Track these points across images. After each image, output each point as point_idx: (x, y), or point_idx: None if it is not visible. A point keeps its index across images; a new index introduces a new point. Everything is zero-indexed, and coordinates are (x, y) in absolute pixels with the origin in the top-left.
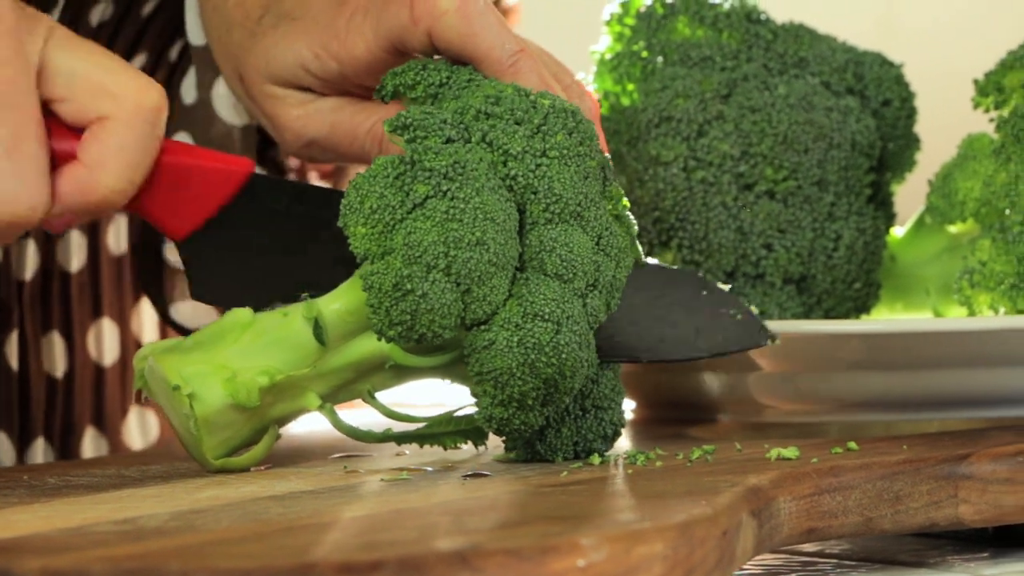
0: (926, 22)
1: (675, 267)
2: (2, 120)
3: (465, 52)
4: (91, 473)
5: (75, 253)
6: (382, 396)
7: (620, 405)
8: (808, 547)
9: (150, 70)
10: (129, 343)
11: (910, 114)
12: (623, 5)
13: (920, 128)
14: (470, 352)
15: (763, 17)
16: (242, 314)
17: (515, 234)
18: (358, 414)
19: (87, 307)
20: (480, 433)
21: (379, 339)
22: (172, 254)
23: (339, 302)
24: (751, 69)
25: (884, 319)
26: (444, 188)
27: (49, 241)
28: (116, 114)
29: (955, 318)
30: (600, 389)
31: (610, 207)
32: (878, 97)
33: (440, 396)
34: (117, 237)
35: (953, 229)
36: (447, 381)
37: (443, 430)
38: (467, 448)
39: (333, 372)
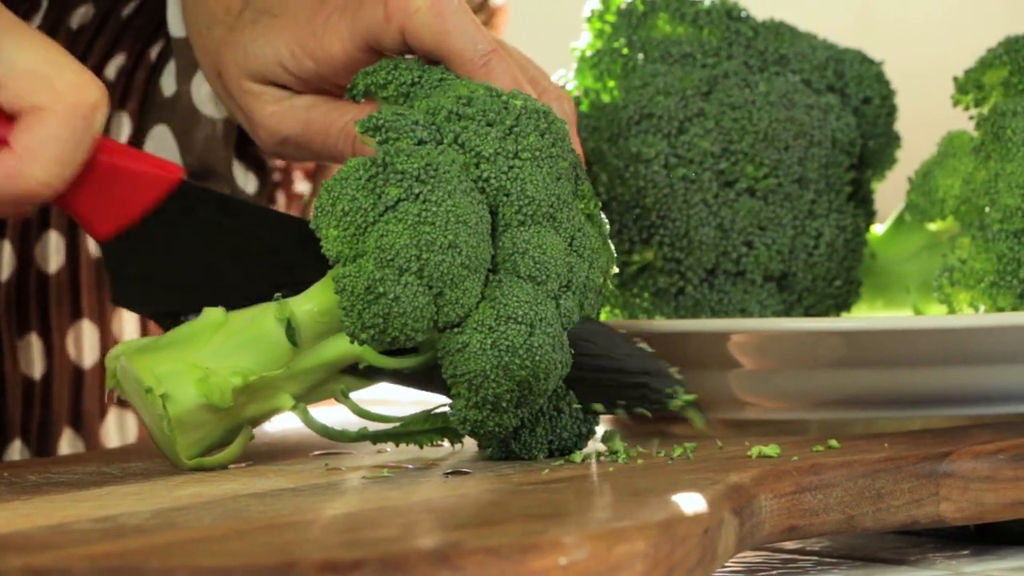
0: (905, 19)
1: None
2: None
3: (438, 50)
4: (72, 471)
5: (53, 254)
6: (359, 393)
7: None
8: (789, 545)
9: (130, 70)
10: (109, 345)
11: (890, 112)
12: (604, 2)
13: (900, 125)
14: (444, 355)
15: (743, 14)
16: (215, 314)
17: (487, 236)
18: (334, 412)
19: (66, 309)
20: (456, 431)
21: (352, 342)
22: None
23: (312, 303)
24: (732, 66)
25: (864, 317)
26: (416, 191)
27: (26, 241)
28: (53, 107)
29: (935, 316)
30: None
31: (582, 206)
32: (858, 95)
33: (417, 394)
34: None
35: (933, 227)
36: (414, 390)
37: (419, 428)
38: (447, 446)
39: (306, 372)
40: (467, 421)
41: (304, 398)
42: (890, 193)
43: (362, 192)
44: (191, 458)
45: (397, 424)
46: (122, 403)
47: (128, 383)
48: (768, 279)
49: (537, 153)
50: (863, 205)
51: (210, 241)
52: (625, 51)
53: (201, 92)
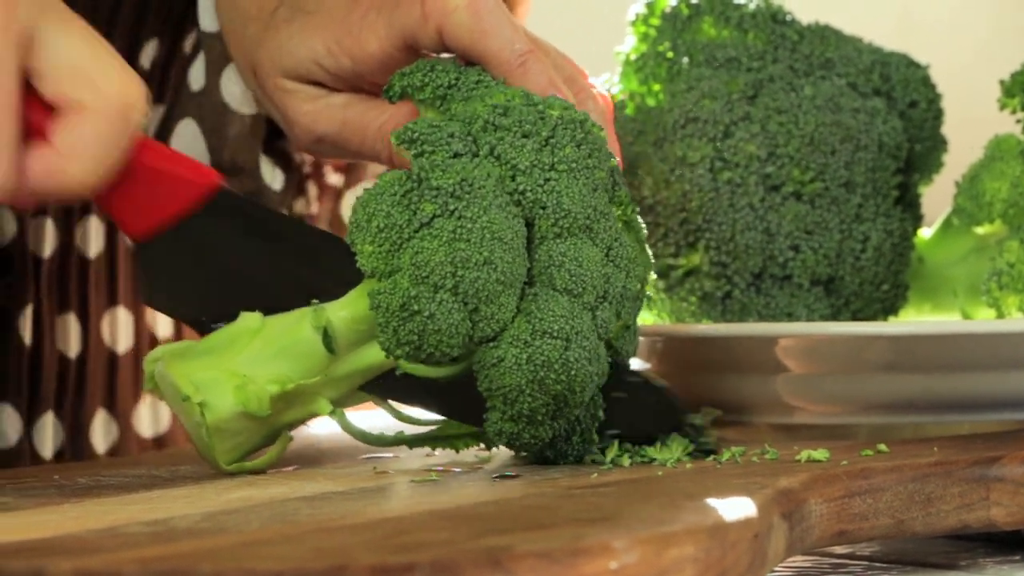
0: (948, 21)
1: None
2: None
3: (474, 50)
4: (121, 473)
5: (93, 239)
6: None
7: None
8: (839, 549)
9: (164, 62)
10: (143, 334)
11: (937, 115)
12: (648, 5)
13: (946, 129)
14: (479, 368)
15: (789, 18)
16: (251, 319)
17: (523, 251)
18: (372, 416)
19: (103, 293)
20: None
21: (387, 357)
22: None
23: (347, 310)
24: (777, 70)
25: (912, 321)
26: (451, 207)
27: (68, 220)
28: (95, 104)
29: (983, 320)
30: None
31: (619, 213)
32: (905, 98)
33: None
34: None
35: (981, 230)
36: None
37: (455, 432)
38: (493, 449)
39: (343, 378)
40: (502, 433)
41: (341, 403)
42: (937, 197)
43: (397, 208)
44: (230, 463)
45: (433, 428)
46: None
47: (166, 388)
48: (815, 283)
49: (573, 165)
50: (910, 209)
51: (243, 248)
52: (670, 55)
53: (230, 87)
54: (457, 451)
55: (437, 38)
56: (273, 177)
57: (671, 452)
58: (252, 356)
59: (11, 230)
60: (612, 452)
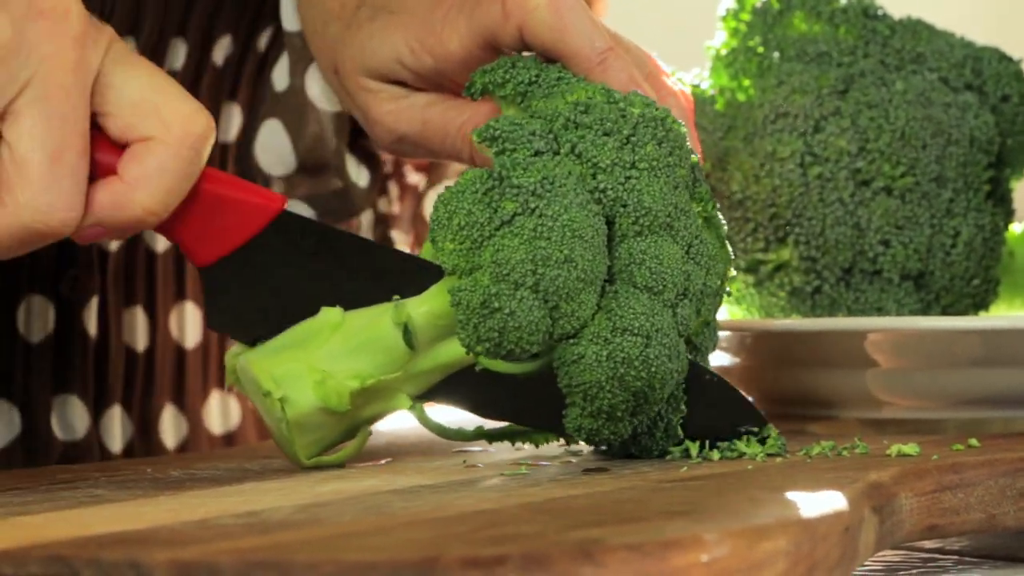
0: None
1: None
2: (50, 128)
3: (555, 48)
4: (214, 467)
5: (160, 236)
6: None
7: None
8: (929, 544)
9: (238, 59)
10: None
11: None
12: (739, 1)
13: None
14: (559, 365)
15: (880, 13)
16: (332, 314)
17: (603, 249)
18: (451, 411)
19: (171, 287)
20: None
21: (467, 354)
22: None
23: (428, 305)
24: (868, 65)
25: (1003, 315)
26: (532, 205)
27: None
28: (162, 137)
29: None
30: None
31: (699, 209)
32: (996, 93)
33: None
34: None
35: None
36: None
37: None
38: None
39: (423, 374)
40: (582, 429)
41: (421, 398)
42: None
43: (478, 206)
44: (310, 457)
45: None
46: (228, 389)
47: (247, 383)
48: (905, 278)
49: (654, 163)
50: (1001, 204)
51: (307, 271)
52: (760, 50)
53: (314, 86)
54: (537, 446)
55: (518, 36)
56: (359, 175)
57: (760, 447)
58: (332, 351)
59: None
60: (696, 447)
